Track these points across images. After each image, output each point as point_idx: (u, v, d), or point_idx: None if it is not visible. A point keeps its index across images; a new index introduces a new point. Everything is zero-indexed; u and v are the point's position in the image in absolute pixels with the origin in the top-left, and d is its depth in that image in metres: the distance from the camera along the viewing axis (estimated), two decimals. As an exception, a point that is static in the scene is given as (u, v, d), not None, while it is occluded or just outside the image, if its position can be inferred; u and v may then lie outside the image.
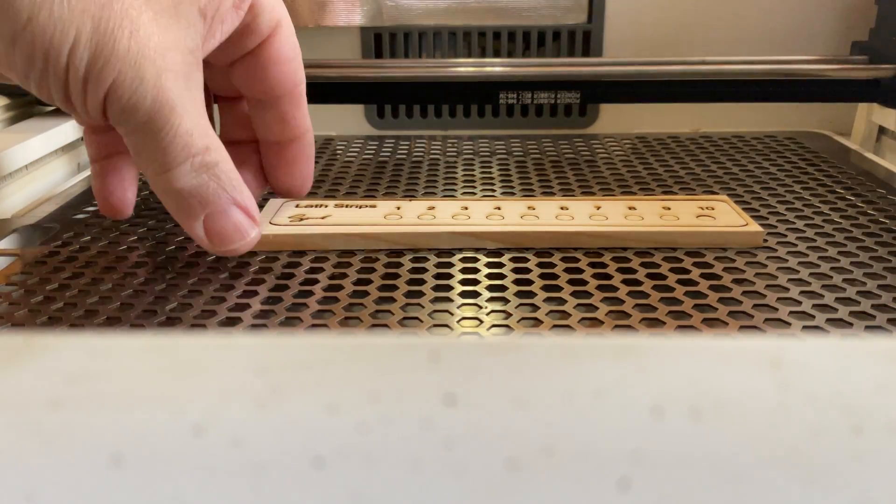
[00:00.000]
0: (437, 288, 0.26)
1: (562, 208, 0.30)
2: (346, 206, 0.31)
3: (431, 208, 0.31)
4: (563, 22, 0.49)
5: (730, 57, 0.45)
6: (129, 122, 0.22)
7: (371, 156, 0.44)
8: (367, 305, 0.25)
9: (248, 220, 0.25)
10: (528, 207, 0.30)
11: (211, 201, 0.24)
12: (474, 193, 0.37)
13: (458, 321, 0.24)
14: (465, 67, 0.45)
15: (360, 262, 0.28)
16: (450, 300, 0.25)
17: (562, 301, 0.25)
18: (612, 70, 0.45)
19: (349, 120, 0.52)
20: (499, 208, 0.30)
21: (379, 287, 0.26)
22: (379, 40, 0.50)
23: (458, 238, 0.29)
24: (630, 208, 0.30)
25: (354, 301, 0.25)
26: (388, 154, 0.45)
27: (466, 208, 0.30)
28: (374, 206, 0.31)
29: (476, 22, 0.49)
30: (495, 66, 0.45)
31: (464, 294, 0.26)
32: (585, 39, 0.49)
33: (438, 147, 0.46)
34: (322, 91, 0.44)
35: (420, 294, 0.26)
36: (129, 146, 0.23)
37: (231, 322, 0.24)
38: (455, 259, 0.28)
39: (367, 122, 0.52)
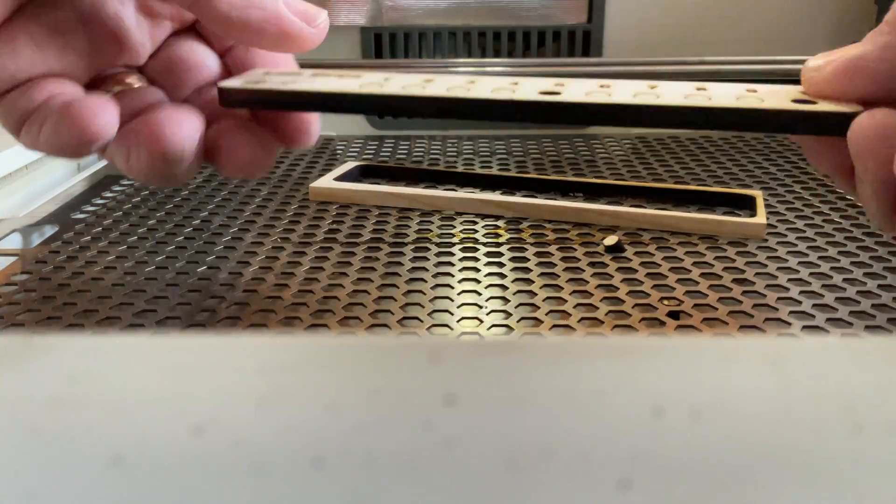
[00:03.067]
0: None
1: (601, 86, 0.21)
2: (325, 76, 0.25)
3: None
4: (563, 22, 0.49)
5: (730, 57, 0.45)
6: None
7: (371, 156, 0.44)
8: (366, 305, 0.25)
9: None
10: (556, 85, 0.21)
11: None
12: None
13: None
14: (465, 67, 0.45)
15: (360, 261, 0.28)
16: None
17: (562, 301, 0.25)
18: (612, 70, 0.45)
19: (349, 120, 0.52)
20: (516, 83, 0.22)
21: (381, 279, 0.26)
22: (379, 40, 0.50)
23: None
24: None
25: (354, 302, 0.25)
26: (388, 154, 0.45)
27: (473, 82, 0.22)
28: (357, 77, 0.25)
29: (476, 22, 0.49)
30: (495, 66, 0.45)
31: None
32: (585, 39, 0.49)
33: (438, 147, 0.46)
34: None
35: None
36: None
37: (231, 322, 0.24)
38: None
39: (367, 122, 0.52)
